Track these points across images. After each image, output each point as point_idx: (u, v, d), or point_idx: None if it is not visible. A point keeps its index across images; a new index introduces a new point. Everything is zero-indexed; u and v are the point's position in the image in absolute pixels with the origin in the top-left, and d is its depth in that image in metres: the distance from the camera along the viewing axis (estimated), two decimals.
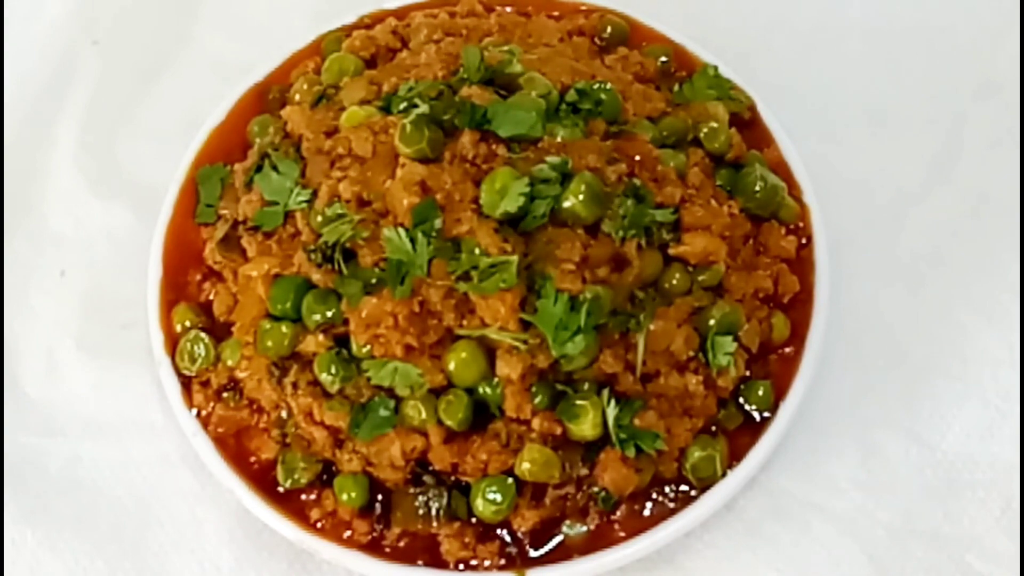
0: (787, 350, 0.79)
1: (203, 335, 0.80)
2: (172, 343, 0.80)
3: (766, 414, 0.77)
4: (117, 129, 0.95)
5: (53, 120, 0.96)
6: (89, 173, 0.94)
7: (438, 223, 0.73)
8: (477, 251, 0.72)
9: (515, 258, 0.72)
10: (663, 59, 0.89)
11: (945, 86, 0.97)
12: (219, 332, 0.80)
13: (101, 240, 0.91)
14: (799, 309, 0.80)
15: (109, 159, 0.95)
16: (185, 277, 0.83)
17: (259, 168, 0.81)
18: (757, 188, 0.80)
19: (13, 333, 0.88)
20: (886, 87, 0.98)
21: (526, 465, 0.74)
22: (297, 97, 0.87)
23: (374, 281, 0.74)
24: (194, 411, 0.79)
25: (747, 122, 0.87)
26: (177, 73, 0.98)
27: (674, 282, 0.77)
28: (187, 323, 0.81)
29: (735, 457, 0.76)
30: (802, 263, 0.81)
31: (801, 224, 0.82)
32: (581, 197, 0.73)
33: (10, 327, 0.88)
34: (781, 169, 0.83)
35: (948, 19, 1.01)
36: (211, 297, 0.82)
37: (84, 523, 0.80)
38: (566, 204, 0.73)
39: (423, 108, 0.76)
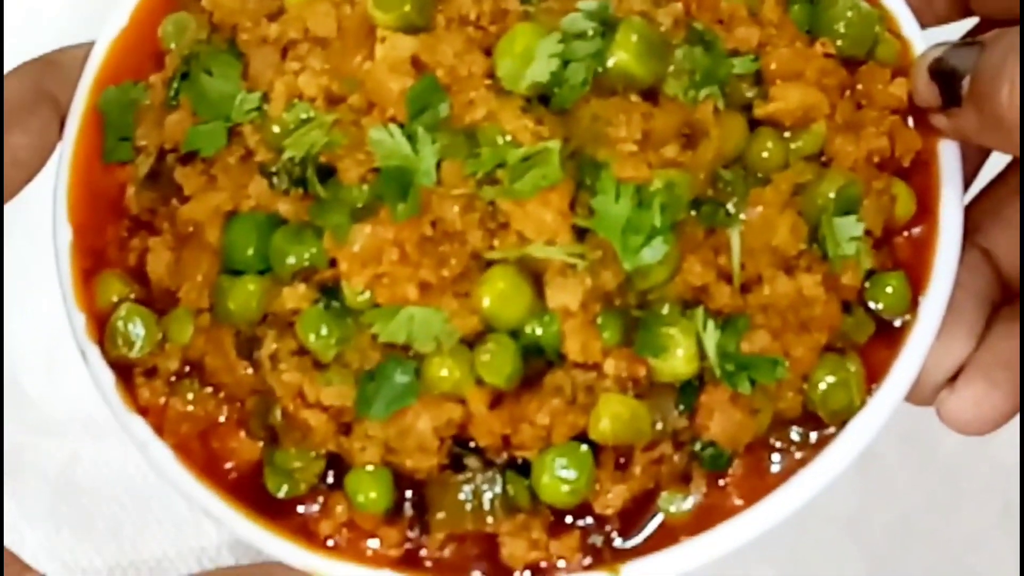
0: (915, 230, 0.65)
1: (139, 309, 0.64)
2: (99, 325, 0.65)
3: (904, 317, 0.63)
4: None
5: None
6: None
7: (443, 110, 0.59)
8: (502, 141, 0.58)
9: (555, 143, 0.57)
10: None
11: None
12: (161, 302, 0.65)
13: None
14: (922, 174, 0.65)
15: None
16: (103, 237, 0.67)
17: (184, 76, 0.66)
18: (846, 19, 0.64)
19: (13, 333, 0.90)
20: None
21: (605, 423, 0.59)
22: None
23: (364, 203, 0.60)
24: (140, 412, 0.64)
25: None
26: None
27: (766, 153, 0.62)
28: (115, 296, 0.65)
29: (873, 379, 0.63)
30: (917, 114, 0.65)
31: (904, 64, 0.66)
32: (632, 50, 0.59)
33: (10, 327, 0.90)
34: None
35: None
36: (143, 257, 0.66)
37: (83, 523, 0.85)
38: (613, 62, 0.59)
39: None
